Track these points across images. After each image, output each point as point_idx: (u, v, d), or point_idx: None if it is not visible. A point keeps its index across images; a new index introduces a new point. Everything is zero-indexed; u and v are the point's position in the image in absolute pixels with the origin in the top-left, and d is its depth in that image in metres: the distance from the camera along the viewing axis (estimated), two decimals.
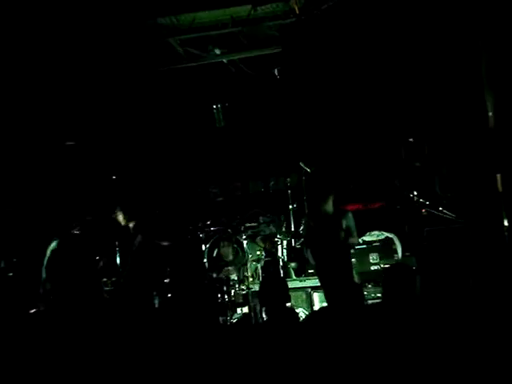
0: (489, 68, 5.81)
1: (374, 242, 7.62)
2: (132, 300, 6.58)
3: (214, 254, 8.40)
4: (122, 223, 6.97)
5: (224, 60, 8.39)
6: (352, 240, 6.63)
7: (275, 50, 7.97)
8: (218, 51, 8.05)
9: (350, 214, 6.68)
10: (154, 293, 7.48)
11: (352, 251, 7.11)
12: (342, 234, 6.46)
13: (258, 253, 8.07)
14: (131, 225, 6.95)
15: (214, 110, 9.33)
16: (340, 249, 6.51)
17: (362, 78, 6.92)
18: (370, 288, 7.15)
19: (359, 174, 9.12)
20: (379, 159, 9.17)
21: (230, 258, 8.25)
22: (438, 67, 6.27)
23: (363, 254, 7.48)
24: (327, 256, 6.55)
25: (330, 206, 6.56)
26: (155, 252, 7.07)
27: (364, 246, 7.57)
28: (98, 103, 8.85)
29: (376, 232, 7.80)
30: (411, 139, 8.61)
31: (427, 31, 6.44)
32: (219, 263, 8.21)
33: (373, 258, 7.44)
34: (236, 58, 8.32)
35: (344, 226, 6.57)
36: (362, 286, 6.06)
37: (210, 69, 8.81)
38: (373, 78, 6.90)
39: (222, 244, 8.33)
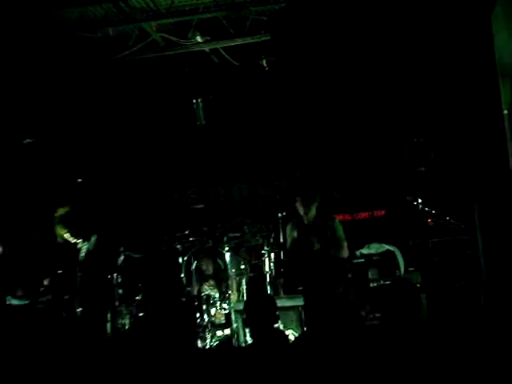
0: (503, 59, 5.80)
1: (374, 255, 7.64)
2: (88, 321, 6.40)
3: (193, 268, 8.33)
4: (70, 240, 6.59)
5: (206, 49, 8.35)
6: (338, 252, 6.58)
7: (264, 38, 7.93)
8: (199, 39, 8.00)
9: (337, 222, 6.68)
10: (125, 311, 7.41)
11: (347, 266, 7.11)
12: (318, 246, 6.44)
13: (243, 267, 8.02)
14: (76, 241, 6.59)
15: (195, 105, 9.28)
16: (323, 262, 6.48)
17: (360, 70, 6.90)
18: (368, 308, 7.10)
19: (355, 179, 9.13)
20: (379, 162, 9.18)
21: (211, 272, 8.19)
22: (445, 56, 6.25)
23: (361, 270, 7.47)
24: (309, 270, 6.56)
25: (312, 214, 6.56)
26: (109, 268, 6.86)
27: (362, 261, 7.57)
28: (60, 99, 8.80)
29: (375, 244, 7.81)
30: (415, 139, 8.62)
31: (433, 20, 6.43)
32: (198, 278, 8.15)
33: (372, 273, 7.44)
34: (219, 46, 8.28)
35: (329, 235, 6.56)
36: (354, 305, 6.04)
37: (190, 58, 8.77)
38: (372, 70, 6.88)
39: (201, 257, 8.26)
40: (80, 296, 6.40)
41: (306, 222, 6.57)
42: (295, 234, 6.70)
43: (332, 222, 6.65)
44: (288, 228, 6.92)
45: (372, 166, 9.19)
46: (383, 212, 8.71)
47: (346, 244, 6.62)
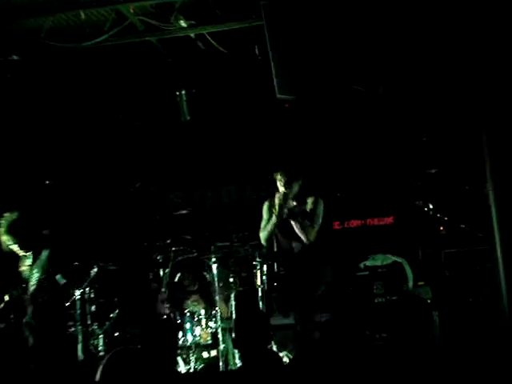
0: None
1: (379, 267, 7.63)
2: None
3: (175, 282, 8.30)
4: (17, 253, 6.25)
5: (191, 34, 8.32)
6: (306, 227, 6.63)
7: (256, 23, 7.90)
8: (183, 23, 7.97)
9: (320, 202, 6.83)
10: (98, 331, 7.37)
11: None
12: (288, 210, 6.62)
13: (231, 280, 7.99)
14: (25, 254, 6.30)
15: (178, 98, 9.24)
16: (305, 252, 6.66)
17: (365, 58, 6.87)
18: (372, 326, 7.08)
19: (357, 182, 9.12)
20: (384, 163, 9.17)
21: (196, 286, 8.16)
22: (463, 41, 6.24)
23: (365, 284, 7.47)
24: (288, 264, 6.78)
25: (293, 193, 6.70)
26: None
27: (366, 273, 7.58)
28: (23, 91, 8.76)
29: (381, 255, 7.81)
30: (425, 138, 8.61)
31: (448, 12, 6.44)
32: (181, 293, 8.11)
33: (377, 288, 7.45)
34: (206, 31, 8.25)
35: (308, 211, 6.75)
36: (357, 324, 6.01)
37: (172, 45, 8.73)
38: (379, 61, 6.86)
39: (185, 269, 8.24)
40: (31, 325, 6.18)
41: (285, 200, 6.68)
42: (272, 214, 6.79)
43: (313, 200, 6.81)
44: (264, 207, 7.00)
45: (377, 167, 9.18)
46: (389, 219, 8.69)
47: (317, 228, 6.74)
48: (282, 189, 6.73)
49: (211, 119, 9.72)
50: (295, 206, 6.77)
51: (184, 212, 9.69)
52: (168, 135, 9.94)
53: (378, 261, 7.75)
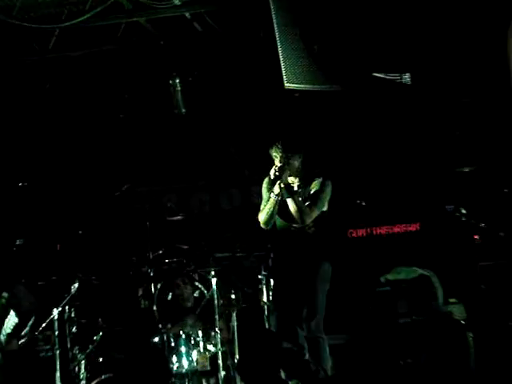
0: None
1: (403, 282, 7.61)
2: None
3: (169, 298, 8.28)
4: None
5: (186, 14, 8.32)
6: (305, 208, 6.63)
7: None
8: (177, 1, 7.98)
9: (328, 184, 6.76)
10: (79, 355, 7.35)
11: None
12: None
13: (234, 296, 7.96)
14: None
15: (171, 88, 9.24)
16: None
17: (389, 41, 6.87)
18: (396, 350, 7.05)
19: (378, 182, 9.10)
20: (410, 161, 9.15)
21: (192, 303, 8.14)
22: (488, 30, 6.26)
23: (387, 301, 7.44)
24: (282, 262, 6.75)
25: (293, 168, 6.68)
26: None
27: (387, 288, 7.53)
28: None
29: (405, 268, 7.78)
30: (458, 132, 8.58)
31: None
32: (176, 311, 8.09)
33: (401, 306, 7.40)
34: (203, 10, 8.25)
35: (311, 192, 6.72)
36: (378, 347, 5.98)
37: (164, 26, 8.73)
38: (405, 41, 6.85)
39: (179, 284, 8.21)
40: None
41: (281, 175, 6.62)
42: (271, 195, 6.75)
43: (320, 181, 6.74)
44: (263, 185, 6.95)
45: (402, 166, 9.16)
46: (415, 225, 8.66)
47: (317, 212, 6.68)
48: (277, 163, 6.70)
49: (209, 112, 9.71)
50: (296, 185, 6.77)
51: (178, 218, 9.67)
52: (160, 130, 9.98)
53: (402, 274, 7.76)
